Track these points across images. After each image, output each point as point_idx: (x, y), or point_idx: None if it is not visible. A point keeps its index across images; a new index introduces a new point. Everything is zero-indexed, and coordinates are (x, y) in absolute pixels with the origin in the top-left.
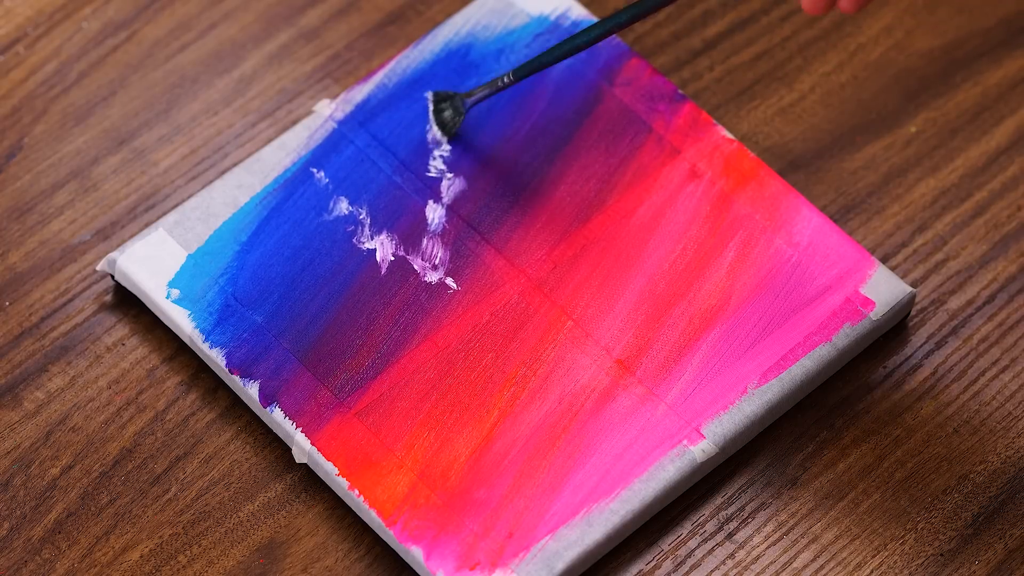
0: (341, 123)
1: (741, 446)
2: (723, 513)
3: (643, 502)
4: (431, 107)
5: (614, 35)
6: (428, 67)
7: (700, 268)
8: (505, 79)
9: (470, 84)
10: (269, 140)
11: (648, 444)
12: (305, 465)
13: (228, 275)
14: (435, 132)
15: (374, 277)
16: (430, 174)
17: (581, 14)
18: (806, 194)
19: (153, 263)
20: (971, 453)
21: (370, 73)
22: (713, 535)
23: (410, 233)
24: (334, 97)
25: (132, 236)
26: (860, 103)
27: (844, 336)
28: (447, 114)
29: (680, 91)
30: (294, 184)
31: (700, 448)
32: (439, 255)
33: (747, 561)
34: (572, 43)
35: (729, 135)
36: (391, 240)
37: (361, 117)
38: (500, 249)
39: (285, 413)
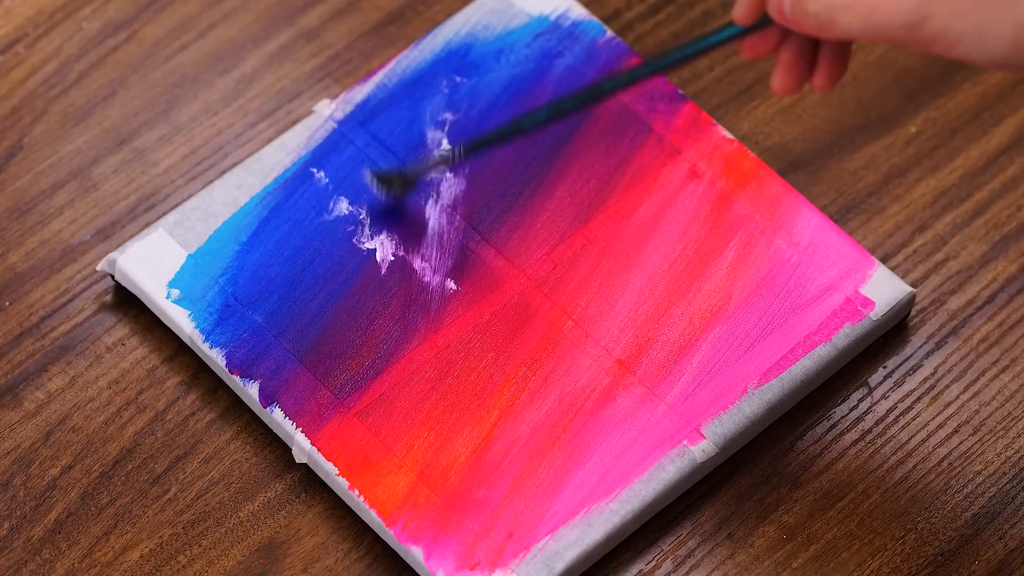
0: (341, 123)
1: (741, 446)
2: (723, 513)
3: (643, 502)
4: (374, 183)
5: (614, 36)
6: (428, 67)
7: (700, 268)
8: (456, 152)
9: (470, 83)
10: (269, 140)
11: (648, 444)
12: (305, 465)
13: (228, 275)
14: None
15: (374, 277)
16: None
17: (581, 14)
18: (806, 194)
19: (153, 263)
20: (971, 453)
21: (370, 73)
22: (713, 535)
23: (410, 233)
24: (334, 97)
25: (132, 236)
26: (860, 103)
27: (844, 336)
28: (396, 185)
29: (680, 91)
30: (294, 184)
31: (700, 448)
32: (439, 255)
33: (747, 561)
34: (554, 107)
35: (729, 135)
36: (391, 240)
37: (361, 117)
38: (500, 249)
39: (285, 413)
